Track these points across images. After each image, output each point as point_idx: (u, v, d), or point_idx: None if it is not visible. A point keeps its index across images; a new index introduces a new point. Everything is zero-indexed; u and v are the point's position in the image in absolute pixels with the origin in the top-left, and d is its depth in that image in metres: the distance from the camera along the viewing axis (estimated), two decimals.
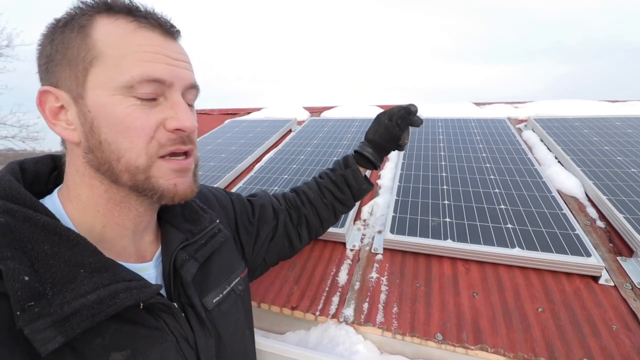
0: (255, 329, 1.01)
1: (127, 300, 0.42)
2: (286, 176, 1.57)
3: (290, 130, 2.35)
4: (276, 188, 1.46)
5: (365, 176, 0.89)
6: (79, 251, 0.42)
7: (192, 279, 0.54)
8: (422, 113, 2.23)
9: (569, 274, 0.94)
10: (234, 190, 1.52)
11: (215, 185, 1.60)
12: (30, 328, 0.36)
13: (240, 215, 0.77)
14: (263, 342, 0.84)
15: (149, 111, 0.47)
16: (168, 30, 0.49)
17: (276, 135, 2.18)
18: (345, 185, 0.87)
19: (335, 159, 1.66)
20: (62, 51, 0.44)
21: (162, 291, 0.53)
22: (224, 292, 0.62)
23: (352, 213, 1.25)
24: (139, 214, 0.52)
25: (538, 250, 0.96)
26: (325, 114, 2.55)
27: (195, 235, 0.59)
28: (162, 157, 0.49)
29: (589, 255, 0.92)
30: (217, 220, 0.65)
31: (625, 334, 0.78)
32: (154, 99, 0.47)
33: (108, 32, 0.45)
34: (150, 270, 0.53)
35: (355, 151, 0.89)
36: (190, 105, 0.54)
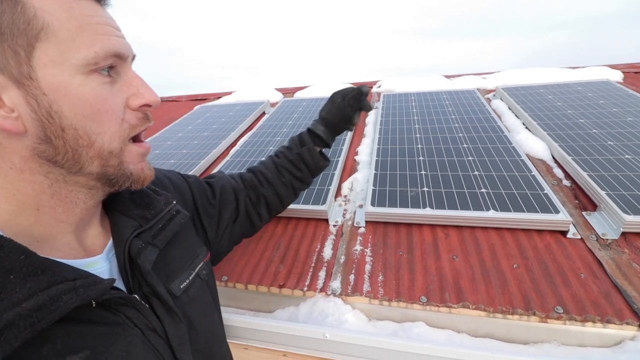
0: (244, 310, 1.02)
1: (72, 302, 0.38)
2: (264, 159, 1.54)
3: (263, 113, 2.30)
4: None
5: (322, 152, 0.91)
6: (5, 255, 0.36)
7: (152, 267, 0.51)
8: (395, 88, 2.24)
9: (539, 231, 0.99)
10: None
11: (190, 173, 1.55)
12: None
13: (199, 198, 0.73)
14: (233, 317, 0.85)
15: (113, 90, 0.44)
16: None
17: (250, 119, 2.13)
18: (302, 163, 0.88)
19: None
20: None
21: (120, 284, 0.50)
22: (190, 278, 0.59)
23: (332, 190, 1.25)
24: (86, 208, 0.48)
25: (511, 211, 1.01)
26: (299, 94, 2.50)
27: (149, 221, 0.54)
28: (133, 141, 0.47)
29: (557, 212, 0.98)
30: (174, 202, 0.60)
31: (592, 281, 0.84)
32: (110, 76, 0.44)
33: None
34: (100, 264, 0.49)
35: (309, 129, 0.89)
36: None
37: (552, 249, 0.93)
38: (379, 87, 2.38)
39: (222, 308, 1.03)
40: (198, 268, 0.62)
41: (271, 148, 1.63)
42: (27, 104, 0.39)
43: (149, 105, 0.47)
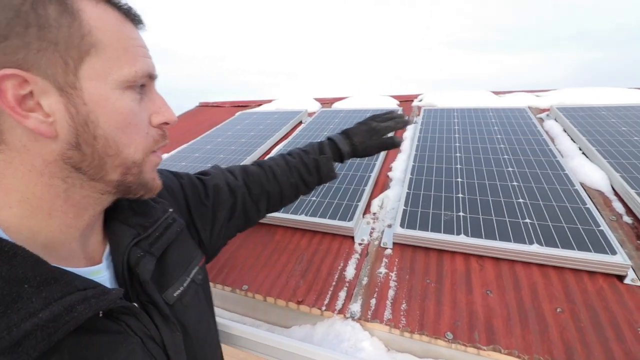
0: (260, 322, 1.01)
1: (86, 312, 0.38)
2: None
3: (300, 122, 2.31)
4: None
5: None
6: (18, 263, 0.36)
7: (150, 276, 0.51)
8: (437, 103, 2.16)
9: (591, 273, 0.88)
10: None
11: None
12: None
13: (192, 199, 0.72)
14: (234, 326, 0.82)
15: (141, 106, 0.48)
16: (138, 19, 0.49)
17: (286, 127, 2.15)
18: (315, 169, 0.91)
19: None
20: (39, 29, 0.38)
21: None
22: (185, 285, 0.59)
23: (361, 206, 1.21)
24: (94, 214, 0.49)
25: (559, 247, 0.90)
26: (337, 105, 2.50)
27: (147, 229, 0.55)
28: (153, 151, 0.51)
29: (614, 252, 0.86)
30: (171, 210, 0.61)
31: None
32: (140, 94, 0.48)
33: (101, 18, 0.42)
34: (103, 273, 0.49)
35: (333, 141, 0.94)
36: None
37: (605, 295, 0.82)
38: (420, 100, 2.30)
39: (239, 317, 1.03)
40: (193, 273, 0.62)
41: None
42: (66, 111, 0.40)
43: (167, 123, 0.51)
